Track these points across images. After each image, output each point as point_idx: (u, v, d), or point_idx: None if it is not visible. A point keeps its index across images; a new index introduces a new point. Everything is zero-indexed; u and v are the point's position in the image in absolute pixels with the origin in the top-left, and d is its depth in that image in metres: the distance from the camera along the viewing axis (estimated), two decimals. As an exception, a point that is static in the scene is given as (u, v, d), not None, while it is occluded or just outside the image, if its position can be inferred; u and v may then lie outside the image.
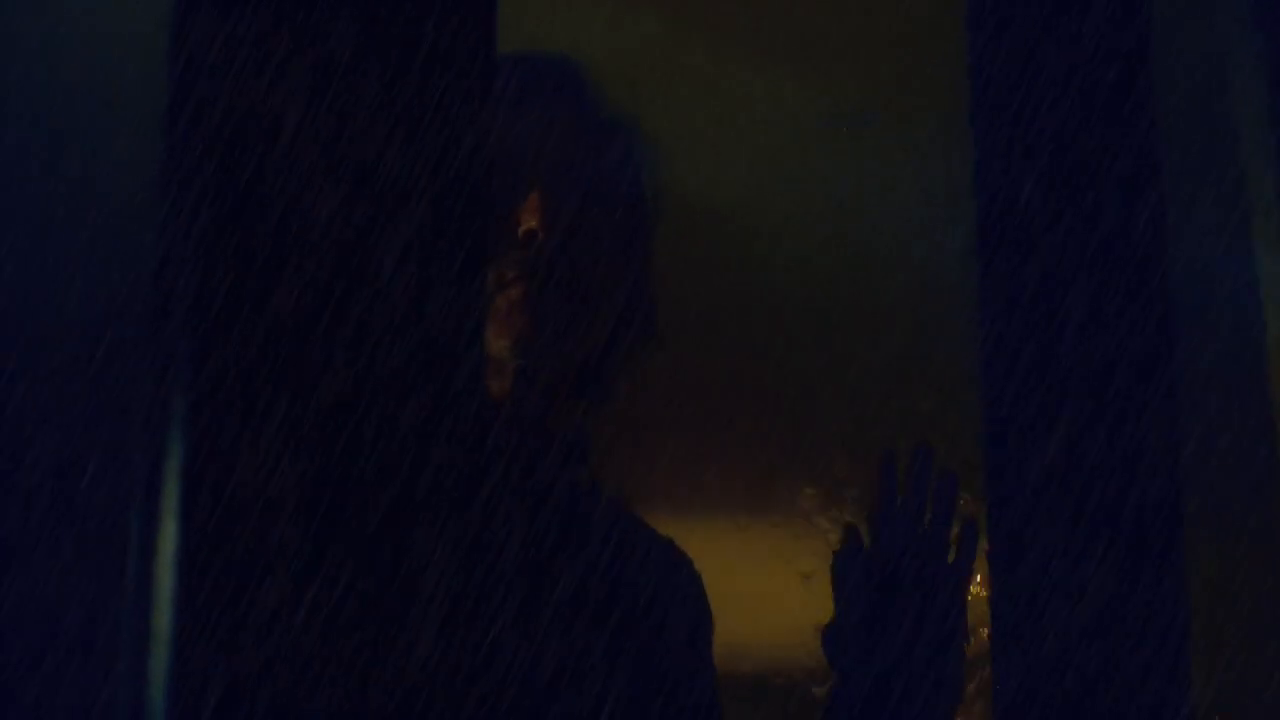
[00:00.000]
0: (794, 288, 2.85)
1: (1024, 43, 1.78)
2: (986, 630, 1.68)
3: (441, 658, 1.22)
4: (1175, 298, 1.76)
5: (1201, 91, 2.66)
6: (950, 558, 1.93)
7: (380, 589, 1.22)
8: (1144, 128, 1.77)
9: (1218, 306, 2.56)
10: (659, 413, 2.13)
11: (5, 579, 2.05)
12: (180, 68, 1.28)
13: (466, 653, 1.22)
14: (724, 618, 2.06)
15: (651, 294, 1.97)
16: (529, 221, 1.87)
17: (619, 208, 1.94)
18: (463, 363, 1.27)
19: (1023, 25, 1.79)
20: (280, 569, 1.21)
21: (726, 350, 2.81)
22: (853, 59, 2.88)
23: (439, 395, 1.26)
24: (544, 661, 1.84)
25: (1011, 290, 1.72)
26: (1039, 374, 1.70)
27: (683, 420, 2.72)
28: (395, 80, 1.28)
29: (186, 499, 1.22)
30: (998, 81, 1.78)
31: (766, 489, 2.85)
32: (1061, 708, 1.62)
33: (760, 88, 2.86)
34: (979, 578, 1.81)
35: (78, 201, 2.20)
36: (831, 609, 1.96)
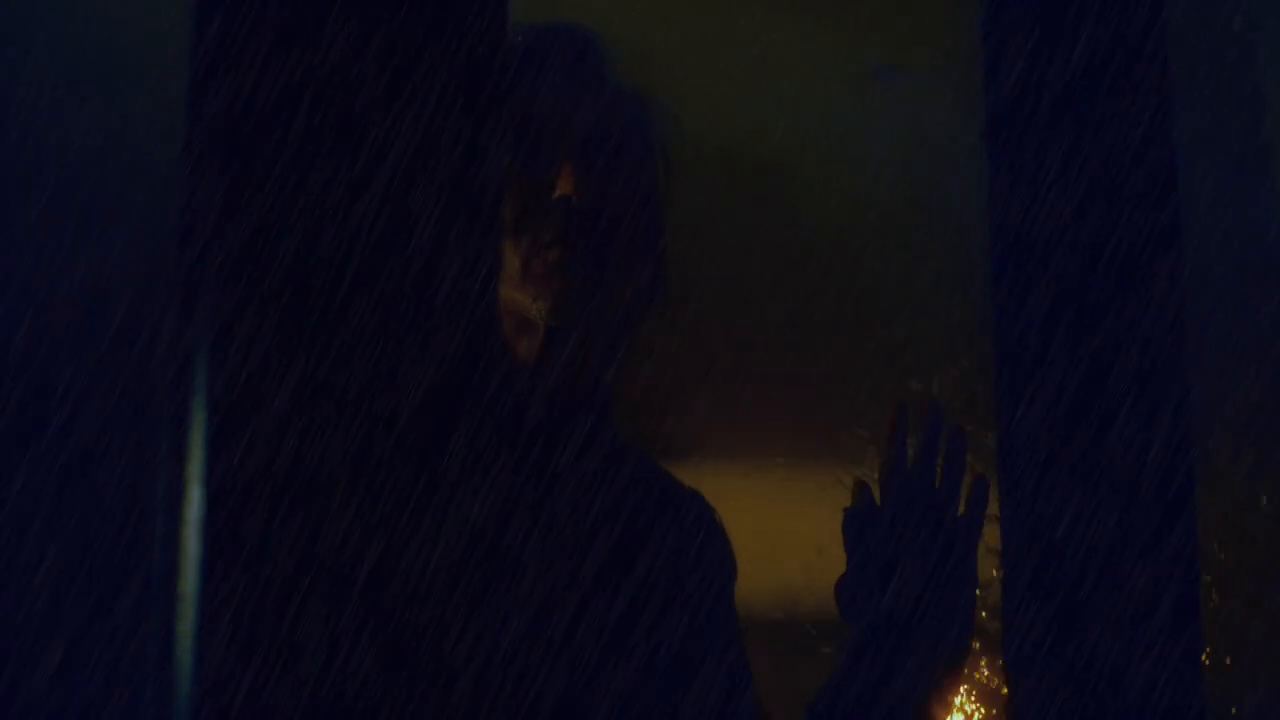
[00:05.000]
0: (821, 240, 2.87)
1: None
2: (997, 583, 1.70)
3: (472, 617, 1.24)
4: (1192, 243, 1.77)
5: (1222, 30, 2.66)
6: (960, 513, 1.96)
7: (407, 549, 1.24)
8: (1158, 74, 1.77)
9: (1237, 249, 2.55)
10: (685, 366, 2.16)
11: (35, 541, 2.08)
12: (201, 45, 1.29)
13: (498, 612, 1.23)
14: (749, 566, 2.09)
15: (665, 255, 2.02)
16: (564, 188, 1.93)
17: (642, 171, 2.00)
18: (484, 327, 1.29)
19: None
20: (304, 532, 1.23)
21: (752, 304, 2.83)
22: (876, 15, 2.88)
23: (461, 360, 1.28)
24: (574, 615, 1.88)
25: (1022, 245, 1.72)
26: (1050, 327, 1.71)
27: (710, 373, 2.74)
28: (411, 51, 1.30)
29: (210, 464, 1.24)
30: (1009, 30, 1.78)
31: (797, 439, 2.86)
32: (1073, 661, 1.64)
33: (787, 44, 2.87)
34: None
35: (103, 176, 2.23)
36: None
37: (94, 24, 2.37)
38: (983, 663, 2.05)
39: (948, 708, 1.94)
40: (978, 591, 1.95)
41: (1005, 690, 1.69)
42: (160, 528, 1.26)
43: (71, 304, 2.18)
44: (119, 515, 2.08)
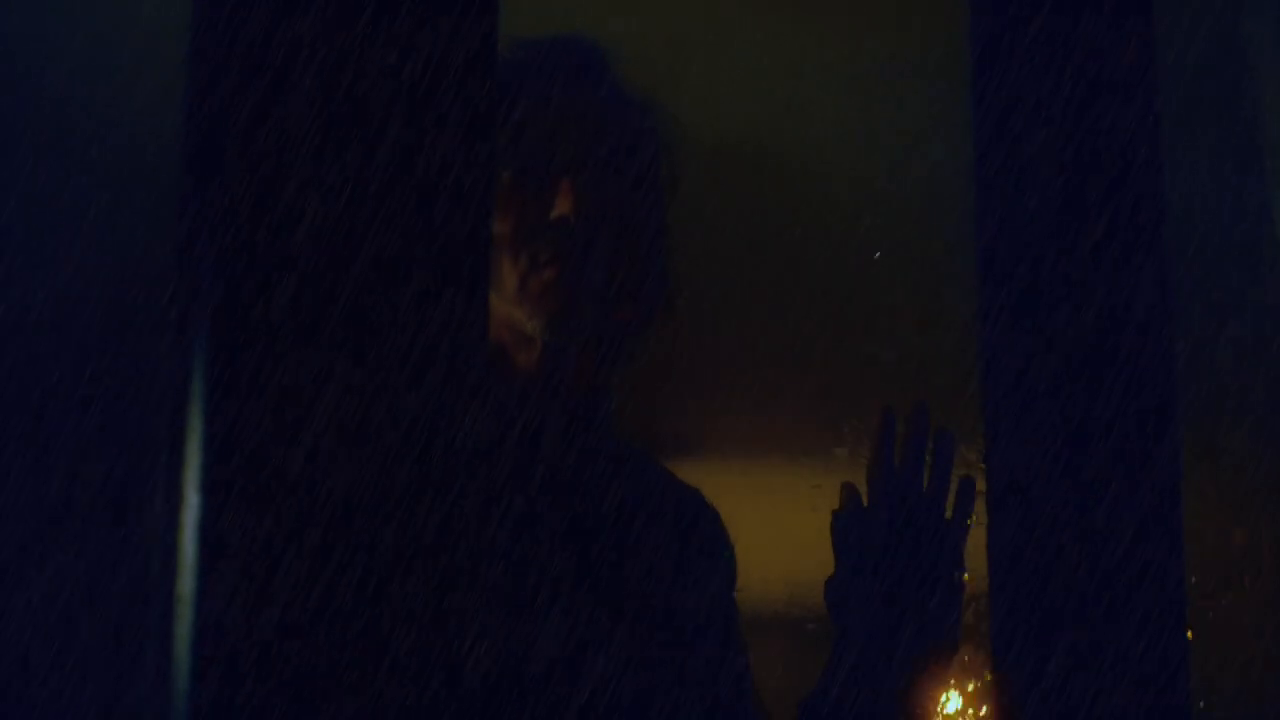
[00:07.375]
0: (819, 241, 2.87)
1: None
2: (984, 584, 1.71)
3: (472, 620, 1.25)
4: (1180, 239, 1.77)
5: (1208, 19, 2.66)
6: (947, 515, 1.97)
7: (403, 553, 1.25)
8: (1144, 67, 1.77)
9: (1226, 244, 2.56)
10: (685, 366, 2.16)
11: (32, 544, 2.09)
12: (199, 47, 1.30)
13: (499, 612, 1.24)
14: (749, 565, 2.10)
15: (667, 265, 2.02)
16: (561, 207, 1.93)
17: (642, 186, 1.99)
18: (476, 335, 1.30)
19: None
20: (299, 537, 1.24)
21: (752, 304, 2.83)
22: (876, 15, 2.89)
23: (455, 366, 1.28)
24: (577, 616, 1.88)
25: (1008, 241, 1.73)
26: (1038, 327, 1.72)
27: (707, 371, 2.75)
28: (402, 65, 1.31)
29: (207, 471, 1.25)
30: (996, 30, 1.78)
31: (792, 436, 2.87)
32: (1059, 658, 1.65)
33: (788, 44, 2.87)
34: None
35: (101, 180, 2.23)
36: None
37: (94, 24, 2.38)
38: (967, 658, 2.06)
39: (936, 696, 1.95)
40: (966, 591, 1.96)
41: (990, 677, 1.70)
42: (158, 531, 1.27)
43: (69, 304, 2.19)
44: (116, 519, 2.08)
